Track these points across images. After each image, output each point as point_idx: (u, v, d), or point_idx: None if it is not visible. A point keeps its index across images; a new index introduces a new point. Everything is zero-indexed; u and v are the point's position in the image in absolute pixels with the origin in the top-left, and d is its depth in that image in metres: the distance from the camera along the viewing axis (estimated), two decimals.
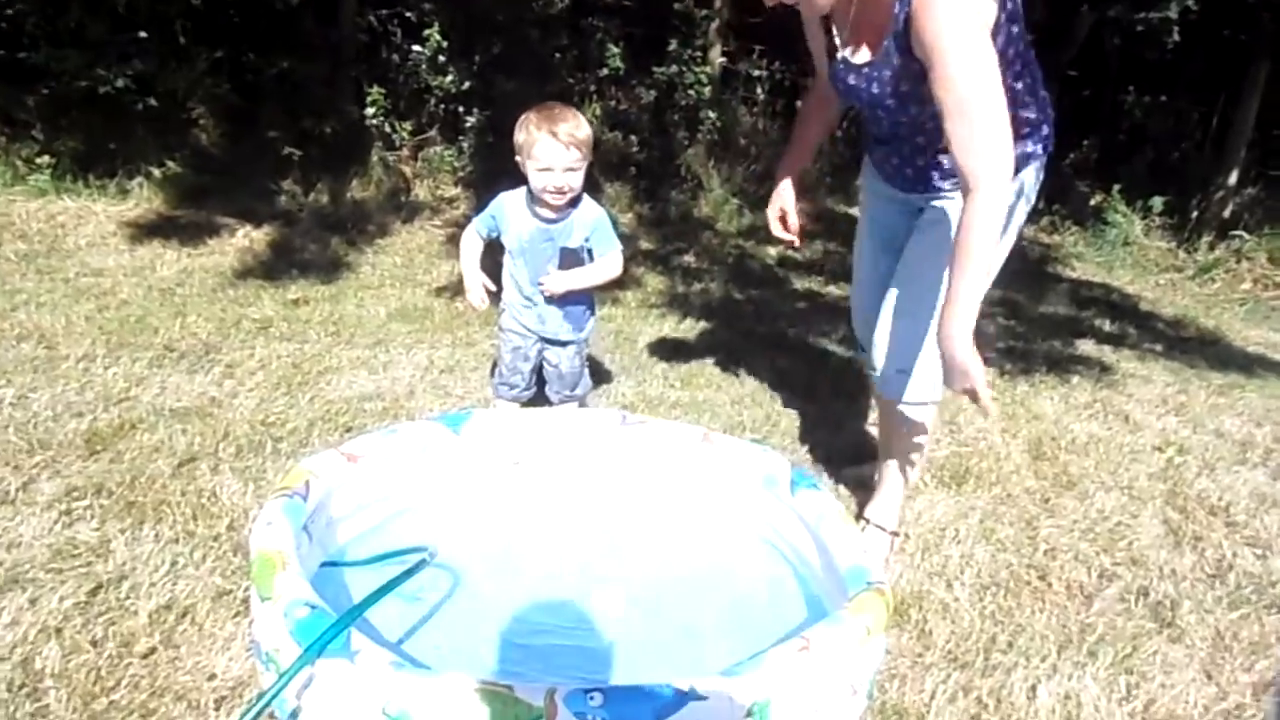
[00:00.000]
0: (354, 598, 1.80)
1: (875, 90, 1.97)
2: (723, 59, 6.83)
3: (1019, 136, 1.85)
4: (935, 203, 2.13)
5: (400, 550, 1.81)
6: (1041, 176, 2.14)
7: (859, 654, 1.51)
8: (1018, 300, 5.24)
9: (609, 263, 2.49)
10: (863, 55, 1.98)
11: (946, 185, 2.08)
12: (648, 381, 3.40)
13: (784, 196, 2.43)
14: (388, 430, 2.13)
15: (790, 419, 3.12)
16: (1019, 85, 1.96)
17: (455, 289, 4.29)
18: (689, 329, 4.09)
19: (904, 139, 2.09)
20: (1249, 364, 4.50)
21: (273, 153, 5.47)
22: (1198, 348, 4.77)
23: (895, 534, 2.38)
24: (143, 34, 4.89)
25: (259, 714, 1.35)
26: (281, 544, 1.58)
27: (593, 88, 6.51)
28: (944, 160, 2.04)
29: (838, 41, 2.02)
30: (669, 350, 3.76)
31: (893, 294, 2.21)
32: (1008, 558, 2.34)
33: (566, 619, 1.83)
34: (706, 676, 1.32)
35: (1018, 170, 1.91)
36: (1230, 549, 2.49)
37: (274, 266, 4.48)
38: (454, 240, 5.21)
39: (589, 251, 2.47)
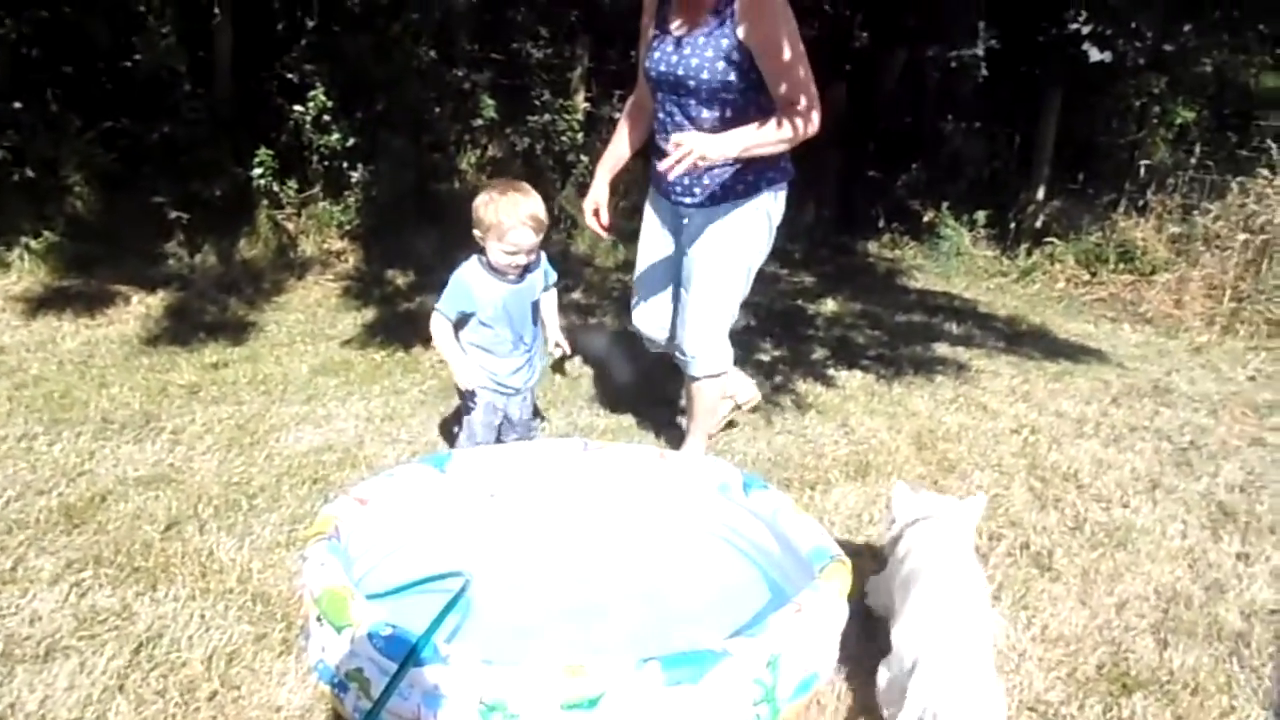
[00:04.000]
0: None
1: (688, 53, 2.53)
2: (586, 104, 7.22)
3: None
4: (698, 217, 2.76)
5: (435, 575, 2.06)
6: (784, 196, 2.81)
7: (836, 612, 1.89)
8: (878, 312, 5.85)
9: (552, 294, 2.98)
10: (684, 29, 2.56)
11: (700, 195, 2.72)
12: (574, 413, 3.71)
13: (599, 194, 2.98)
14: (386, 475, 2.37)
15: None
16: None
17: (364, 341, 4.48)
18: (596, 361, 4.41)
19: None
20: (1074, 353, 5.23)
21: (154, 217, 5.43)
22: (1031, 342, 5.47)
23: None
24: (16, 104, 4.81)
25: None
26: (342, 579, 1.81)
27: (467, 137, 6.76)
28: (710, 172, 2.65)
29: (669, 11, 2.61)
30: (586, 382, 4.08)
31: (684, 295, 2.88)
32: None
33: (570, 621, 2.13)
34: (734, 639, 1.66)
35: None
36: (1083, 505, 3.05)
37: (179, 331, 4.48)
38: (349, 293, 5.36)
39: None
